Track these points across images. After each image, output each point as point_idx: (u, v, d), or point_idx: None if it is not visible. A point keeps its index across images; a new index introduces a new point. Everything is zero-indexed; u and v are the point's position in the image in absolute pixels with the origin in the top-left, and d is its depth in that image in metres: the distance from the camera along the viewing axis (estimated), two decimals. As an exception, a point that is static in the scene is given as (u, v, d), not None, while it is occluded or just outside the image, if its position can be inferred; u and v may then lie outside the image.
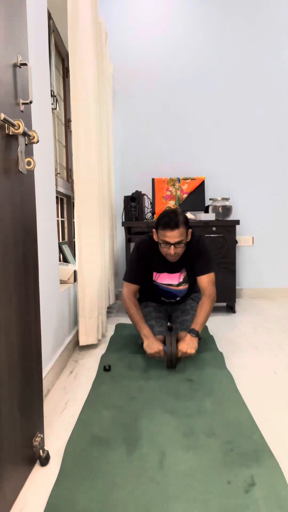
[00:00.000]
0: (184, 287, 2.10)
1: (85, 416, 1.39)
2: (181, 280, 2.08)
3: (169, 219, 1.80)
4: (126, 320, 2.77)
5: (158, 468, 1.09)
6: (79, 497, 0.98)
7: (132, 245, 3.47)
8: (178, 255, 1.91)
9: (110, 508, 0.94)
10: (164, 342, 1.94)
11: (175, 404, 1.47)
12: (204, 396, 1.53)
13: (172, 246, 1.85)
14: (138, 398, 1.53)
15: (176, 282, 2.08)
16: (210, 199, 3.20)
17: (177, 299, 2.18)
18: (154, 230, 1.92)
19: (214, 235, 2.92)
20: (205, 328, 2.50)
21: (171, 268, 2.04)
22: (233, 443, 1.21)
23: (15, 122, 0.93)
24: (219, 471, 1.07)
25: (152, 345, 1.81)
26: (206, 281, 1.96)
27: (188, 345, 1.81)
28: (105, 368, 1.82)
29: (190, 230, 1.93)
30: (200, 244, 1.99)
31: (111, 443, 1.21)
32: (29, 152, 1.08)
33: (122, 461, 1.12)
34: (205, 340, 2.25)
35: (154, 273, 2.06)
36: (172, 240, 1.83)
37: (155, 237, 1.93)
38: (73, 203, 3.10)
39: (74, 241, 3.12)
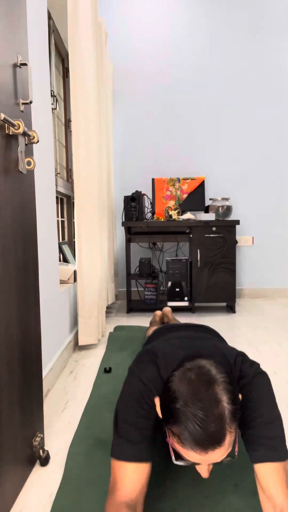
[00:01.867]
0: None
1: (87, 418, 1.39)
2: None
3: (204, 430, 0.73)
4: (125, 322, 2.77)
5: (163, 470, 1.08)
6: (84, 502, 0.97)
7: (133, 245, 3.48)
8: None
9: None
10: None
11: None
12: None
13: (207, 466, 0.81)
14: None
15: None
16: (210, 199, 3.20)
17: None
18: (157, 401, 0.89)
19: (214, 235, 2.92)
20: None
21: None
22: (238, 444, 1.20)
23: (15, 122, 0.93)
24: (226, 474, 1.06)
25: None
26: (276, 476, 0.85)
27: None
28: (105, 370, 1.82)
29: (240, 395, 0.85)
30: (262, 395, 0.91)
31: None
32: (29, 152, 1.08)
33: None
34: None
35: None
36: (208, 462, 0.77)
37: (158, 413, 0.88)
38: (73, 203, 3.11)
39: (74, 241, 3.12)
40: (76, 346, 2.21)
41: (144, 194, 3.01)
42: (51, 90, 2.50)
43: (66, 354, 1.95)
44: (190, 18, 3.36)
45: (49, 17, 2.52)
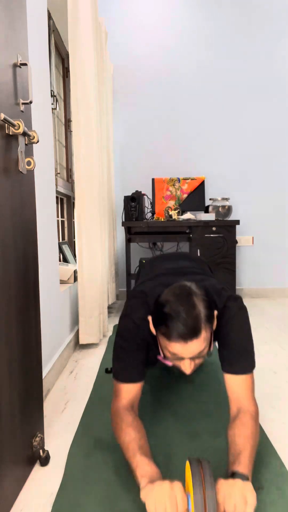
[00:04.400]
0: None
1: (87, 419, 1.38)
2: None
3: (184, 325, 0.95)
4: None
5: (165, 471, 1.08)
6: (85, 503, 0.97)
7: (133, 245, 3.48)
8: (197, 366, 1.08)
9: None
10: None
11: (178, 406, 1.46)
12: (207, 398, 1.53)
13: (189, 361, 1.02)
14: (141, 400, 1.52)
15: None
16: (210, 199, 3.20)
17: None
18: (150, 318, 1.09)
19: (214, 235, 2.92)
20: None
21: None
22: None
23: (15, 122, 0.93)
24: (227, 475, 1.07)
25: (161, 497, 0.82)
26: (240, 386, 1.10)
27: (241, 500, 0.83)
28: (107, 370, 1.81)
29: (216, 312, 1.07)
30: (236, 320, 1.14)
31: (115, 447, 1.20)
32: (29, 152, 1.08)
33: (128, 465, 1.12)
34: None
35: (160, 357, 1.34)
36: (189, 354, 0.99)
37: (152, 328, 1.10)
38: (73, 203, 3.11)
39: (74, 241, 3.12)
40: (77, 346, 2.21)
41: (144, 194, 3.01)
42: (51, 90, 2.50)
43: (66, 354, 1.95)
44: (190, 18, 3.36)
45: (49, 17, 2.52)
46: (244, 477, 0.89)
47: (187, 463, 0.87)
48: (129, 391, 1.15)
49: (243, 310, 1.16)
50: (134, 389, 1.15)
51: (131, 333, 1.15)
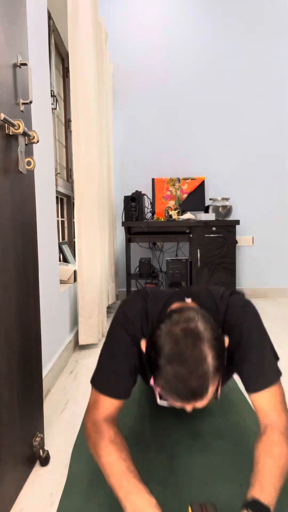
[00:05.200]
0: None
1: None
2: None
3: (186, 387, 0.76)
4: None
5: (169, 472, 1.08)
6: (89, 504, 0.97)
7: (133, 245, 3.48)
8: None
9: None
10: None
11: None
12: None
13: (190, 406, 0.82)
14: (142, 400, 1.52)
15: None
16: (210, 199, 3.20)
17: None
18: (143, 343, 0.93)
19: (214, 235, 2.92)
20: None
21: None
22: (241, 445, 1.20)
23: (15, 122, 0.93)
24: (231, 474, 1.06)
25: None
26: (266, 401, 0.95)
27: None
28: None
29: (227, 338, 0.90)
30: (252, 332, 0.98)
31: None
32: (29, 152, 1.08)
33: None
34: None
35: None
36: (191, 408, 0.83)
37: (143, 355, 1.00)
38: (73, 203, 3.11)
39: (74, 241, 3.12)
40: (76, 346, 2.21)
41: (144, 194, 3.01)
42: (51, 90, 2.50)
43: (66, 354, 1.95)
44: (190, 18, 3.36)
45: (49, 17, 2.52)
46: (264, 509, 0.74)
47: (189, 508, 0.77)
48: (111, 405, 0.97)
49: (248, 306, 1.01)
50: (116, 404, 0.98)
51: (121, 330, 1.00)
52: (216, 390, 0.85)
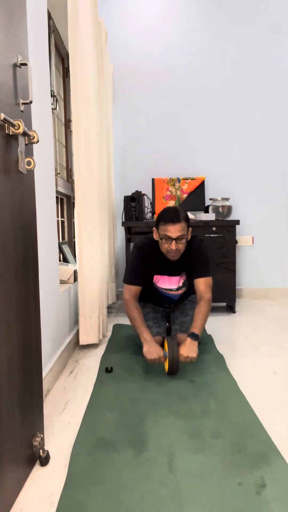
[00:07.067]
0: (182, 291, 2.08)
1: (89, 418, 1.38)
2: (180, 284, 2.04)
3: (171, 214, 1.79)
4: (124, 321, 2.77)
5: (168, 471, 1.08)
6: (89, 502, 0.97)
7: (132, 245, 3.47)
8: (180, 252, 1.87)
9: None
10: (162, 345, 1.92)
11: (179, 406, 1.47)
12: (207, 397, 1.53)
13: (174, 242, 1.81)
14: (142, 399, 1.52)
15: (175, 287, 2.04)
16: (210, 199, 3.20)
17: (174, 302, 2.17)
18: (154, 228, 1.89)
19: (214, 235, 2.92)
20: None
21: (171, 271, 2.00)
22: (240, 444, 1.20)
23: (15, 122, 0.93)
24: (229, 473, 1.07)
25: (152, 349, 1.74)
26: (204, 284, 1.90)
27: (189, 349, 1.74)
28: (107, 369, 1.82)
29: (190, 228, 1.89)
30: (201, 247, 1.96)
31: (118, 446, 1.20)
32: (29, 152, 1.08)
33: (130, 465, 1.11)
34: (203, 339, 2.25)
35: (155, 276, 2.03)
36: (174, 234, 1.79)
37: (155, 236, 1.89)
38: (73, 203, 3.11)
39: (74, 241, 3.12)
40: (76, 346, 2.21)
41: (144, 194, 3.01)
42: (51, 90, 2.50)
43: (66, 354, 1.95)
44: (190, 18, 3.36)
45: (49, 17, 2.52)
46: (195, 335, 1.79)
47: (165, 340, 1.80)
48: (134, 290, 1.95)
49: (204, 244, 1.99)
50: (136, 289, 1.96)
51: (145, 245, 1.96)
52: (186, 233, 1.83)
